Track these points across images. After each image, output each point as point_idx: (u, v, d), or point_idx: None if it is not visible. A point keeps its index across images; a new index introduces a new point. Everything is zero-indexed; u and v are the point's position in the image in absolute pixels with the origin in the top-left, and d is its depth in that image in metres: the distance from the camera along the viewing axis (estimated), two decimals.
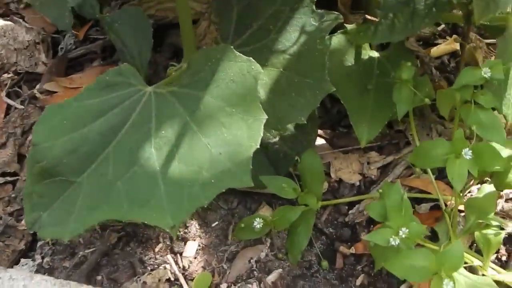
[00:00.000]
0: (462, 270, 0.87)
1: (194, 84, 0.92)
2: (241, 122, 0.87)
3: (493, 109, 0.97)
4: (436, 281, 0.84)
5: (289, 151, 1.06)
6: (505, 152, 0.93)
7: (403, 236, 0.86)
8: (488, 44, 1.21)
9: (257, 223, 0.99)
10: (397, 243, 0.85)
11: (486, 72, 0.91)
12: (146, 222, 0.85)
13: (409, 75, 0.95)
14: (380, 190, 0.96)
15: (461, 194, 1.03)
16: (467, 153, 0.89)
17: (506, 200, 1.10)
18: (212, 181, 0.85)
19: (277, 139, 1.07)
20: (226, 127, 0.87)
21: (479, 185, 1.08)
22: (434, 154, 0.92)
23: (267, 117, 0.86)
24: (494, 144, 0.93)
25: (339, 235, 1.08)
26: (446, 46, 1.20)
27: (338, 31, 1.06)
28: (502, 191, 1.09)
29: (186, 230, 1.07)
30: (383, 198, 0.94)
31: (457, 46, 1.21)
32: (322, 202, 1.05)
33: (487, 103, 0.94)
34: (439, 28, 1.23)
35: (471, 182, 1.07)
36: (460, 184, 0.89)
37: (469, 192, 1.09)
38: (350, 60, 1.05)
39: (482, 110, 0.94)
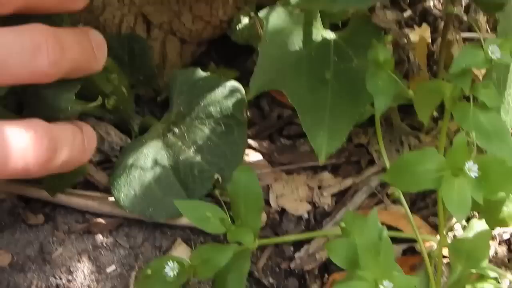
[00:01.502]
0: None
1: None
2: None
3: None
4: None
5: (207, 166, 0.77)
6: None
7: None
8: (465, 40, 0.95)
9: (170, 269, 0.69)
10: None
11: (494, 52, 0.64)
12: None
13: (387, 56, 0.67)
14: (342, 224, 0.68)
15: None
16: (472, 169, 0.62)
17: (500, 243, 0.83)
18: None
19: (192, 149, 0.78)
20: None
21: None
22: (421, 170, 0.64)
23: None
24: None
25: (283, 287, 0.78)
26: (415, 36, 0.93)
27: (278, 2, 0.77)
28: (493, 229, 0.80)
29: (70, 277, 0.76)
30: (348, 236, 0.66)
31: (427, 36, 0.94)
32: (260, 240, 0.76)
33: (490, 100, 0.67)
34: (405, 15, 0.96)
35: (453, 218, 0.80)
36: (463, 215, 0.62)
37: (451, 230, 0.82)
38: (297, 43, 0.77)
39: (483, 110, 0.67)
